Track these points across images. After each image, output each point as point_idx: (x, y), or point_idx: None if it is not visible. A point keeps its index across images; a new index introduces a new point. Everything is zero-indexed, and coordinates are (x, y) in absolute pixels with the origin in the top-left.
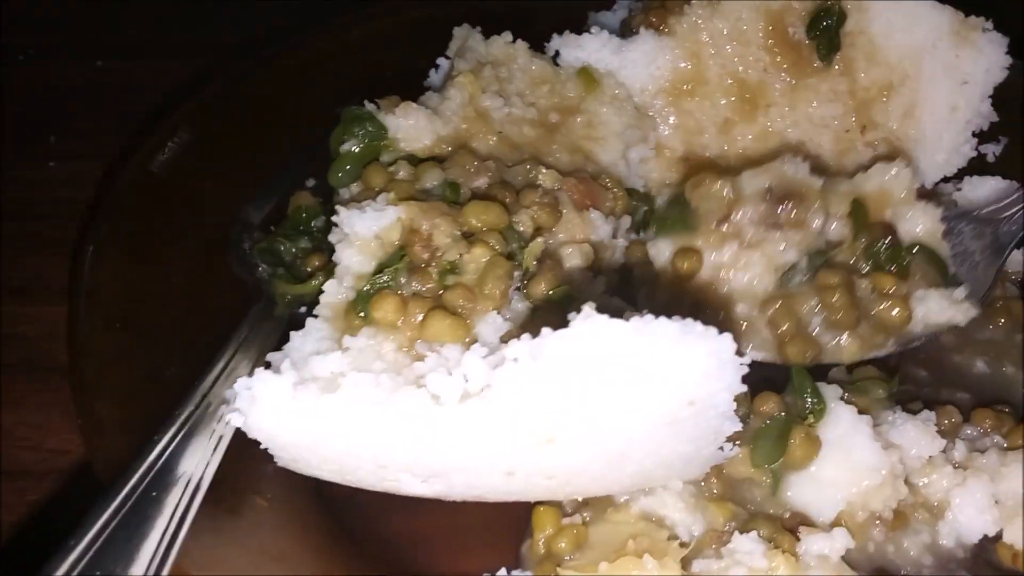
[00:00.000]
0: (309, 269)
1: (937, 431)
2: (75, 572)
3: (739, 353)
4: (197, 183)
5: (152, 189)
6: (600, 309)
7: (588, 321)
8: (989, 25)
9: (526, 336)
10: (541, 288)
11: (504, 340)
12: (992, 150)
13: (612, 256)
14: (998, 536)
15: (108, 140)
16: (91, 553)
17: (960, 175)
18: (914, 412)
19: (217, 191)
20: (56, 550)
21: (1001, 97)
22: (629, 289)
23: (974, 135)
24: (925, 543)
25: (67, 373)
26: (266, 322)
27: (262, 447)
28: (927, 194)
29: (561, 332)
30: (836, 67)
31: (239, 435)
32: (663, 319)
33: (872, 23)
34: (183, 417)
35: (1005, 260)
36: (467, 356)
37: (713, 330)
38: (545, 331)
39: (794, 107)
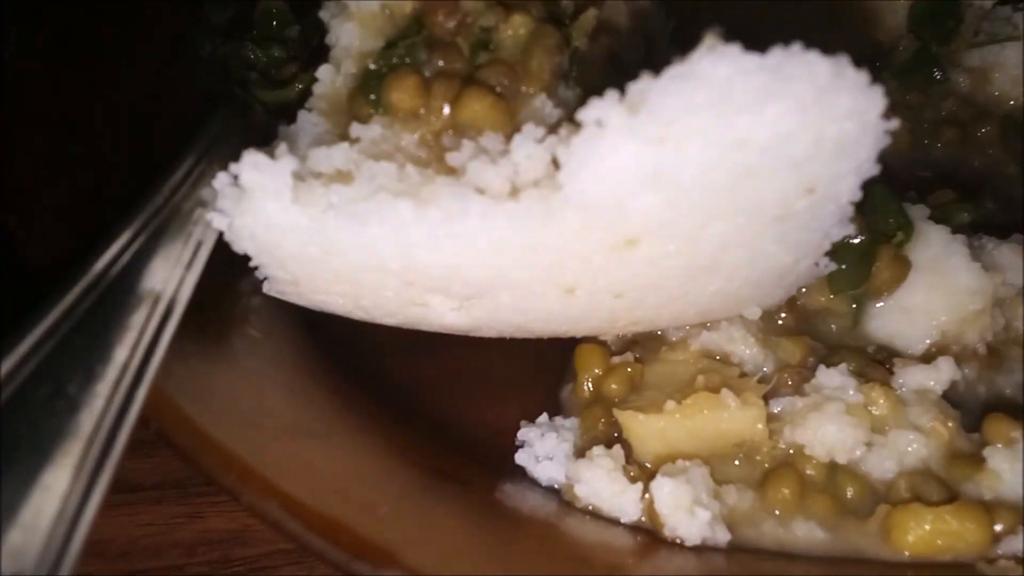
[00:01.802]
0: (286, 78)
1: None
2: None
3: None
4: None
5: None
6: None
7: (713, 54)
8: None
9: (611, 93)
10: (596, 78)
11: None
12: None
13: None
14: None
15: None
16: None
17: None
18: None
19: None
20: None
21: None
22: None
23: None
24: (1019, 382)
25: None
26: (236, 131)
27: (252, 266)
28: None
29: (676, 70)
30: None
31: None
32: (816, 53)
33: None
34: (140, 222)
35: None
36: (518, 140)
37: (865, 77)
38: (645, 76)
39: None
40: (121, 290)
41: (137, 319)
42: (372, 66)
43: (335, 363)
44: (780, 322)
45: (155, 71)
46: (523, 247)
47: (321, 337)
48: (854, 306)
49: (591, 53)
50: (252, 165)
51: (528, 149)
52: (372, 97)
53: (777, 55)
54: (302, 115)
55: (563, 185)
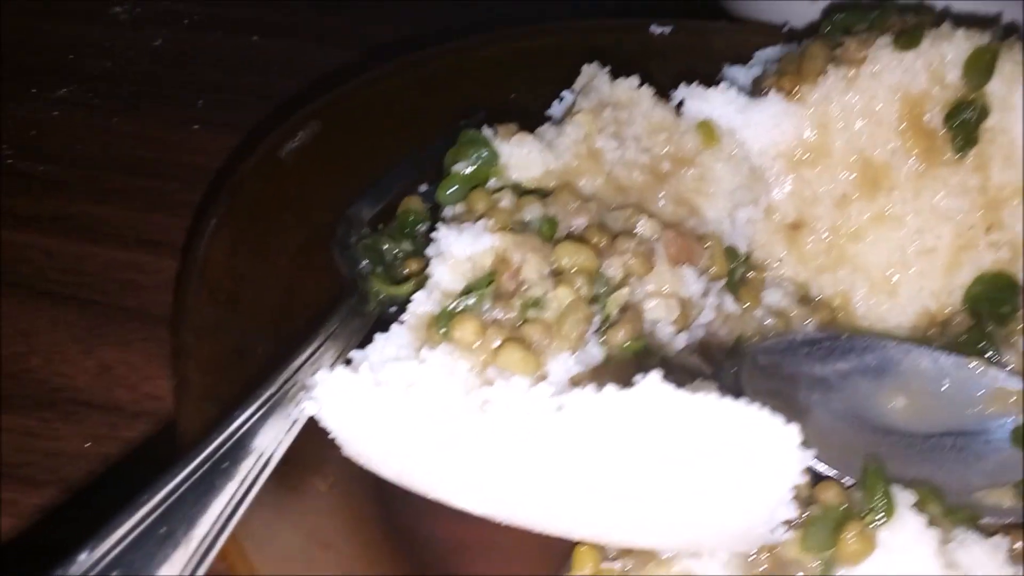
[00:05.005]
0: (406, 271)
1: (1010, 554)
2: (142, 526)
3: (805, 445)
4: (316, 174)
5: (274, 175)
6: (673, 369)
7: (652, 388)
8: None
9: (591, 387)
10: (619, 338)
11: (573, 382)
12: None
13: (699, 315)
14: None
15: (247, 115)
16: (160, 511)
17: None
18: (989, 533)
19: (333, 184)
20: (127, 504)
21: None
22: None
23: None
24: None
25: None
26: (356, 317)
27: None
28: None
29: (624, 393)
30: (969, 161)
31: (313, 419)
32: (729, 400)
33: (1016, 124)
34: (265, 396)
35: None
36: (532, 392)
37: (780, 420)
38: (608, 388)
39: (918, 194)
40: (237, 448)
41: (243, 470)
42: (450, 305)
43: (387, 514)
44: (761, 565)
45: (306, 256)
46: (518, 475)
47: (382, 491)
48: (821, 564)
49: (620, 324)
50: (339, 377)
51: (538, 402)
52: (443, 330)
53: (701, 397)
54: (395, 327)
55: (549, 441)
